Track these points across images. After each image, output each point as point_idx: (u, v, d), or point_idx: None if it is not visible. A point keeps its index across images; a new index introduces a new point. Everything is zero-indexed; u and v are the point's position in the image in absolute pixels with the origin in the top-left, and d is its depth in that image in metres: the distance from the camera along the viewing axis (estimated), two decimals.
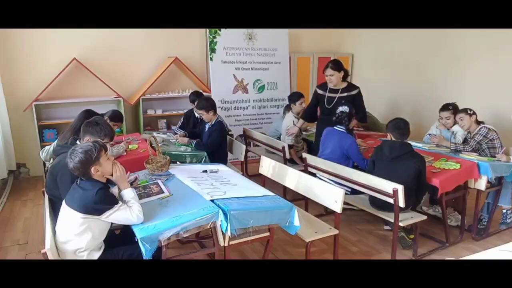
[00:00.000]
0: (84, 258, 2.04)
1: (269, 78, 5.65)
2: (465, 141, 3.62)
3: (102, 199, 2.00)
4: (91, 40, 5.00)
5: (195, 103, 4.08)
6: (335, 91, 3.78)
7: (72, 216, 2.01)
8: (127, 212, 2.03)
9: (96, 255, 2.08)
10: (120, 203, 2.07)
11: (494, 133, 3.43)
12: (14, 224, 3.72)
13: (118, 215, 2.02)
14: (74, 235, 2.01)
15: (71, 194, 2.07)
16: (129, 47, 5.26)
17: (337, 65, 3.72)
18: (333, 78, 3.71)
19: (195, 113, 4.35)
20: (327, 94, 3.83)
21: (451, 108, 3.73)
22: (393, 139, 3.09)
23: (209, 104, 3.80)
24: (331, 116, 3.64)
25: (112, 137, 2.76)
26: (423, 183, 2.93)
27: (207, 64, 5.46)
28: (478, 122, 3.52)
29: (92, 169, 2.05)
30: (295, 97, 4.40)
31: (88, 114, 3.09)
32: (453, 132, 3.79)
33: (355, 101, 3.70)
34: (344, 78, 3.79)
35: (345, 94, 3.75)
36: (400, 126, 3.06)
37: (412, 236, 3.18)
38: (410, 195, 2.81)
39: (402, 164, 2.93)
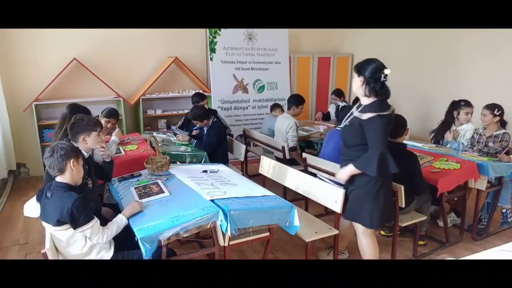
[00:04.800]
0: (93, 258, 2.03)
1: (269, 78, 5.65)
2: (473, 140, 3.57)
3: (81, 209, 1.90)
4: (91, 40, 5.00)
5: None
6: None
7: (50, 230, 1.97)
8: (99, 232, 1.98)
9: (106, 256, 2.06)
10: (95, 218, 1.99)
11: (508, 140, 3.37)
12: (14, 224, 3.71)
13: (89, 232, 1.96)
14: (70, 250, 1.99)
15: (44, 208, 2.01)
16: (129, 47, 5.26)
17: None
18: None
19: None
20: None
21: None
22: None
23: (200, 114, 3.89)
24: None
25: (100, 123, 2.65)
26: (417, 181, 2.78)
27: (207, 64, 5.46)
28: (502, 124, 3.45)
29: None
30: (301, 100, 4.29)
31: (74, 108, 2.89)
32: (463, 134, 3.69)
33: None
34: None
35: None
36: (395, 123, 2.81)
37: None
38: (406, 196, 2.72)
39: None
